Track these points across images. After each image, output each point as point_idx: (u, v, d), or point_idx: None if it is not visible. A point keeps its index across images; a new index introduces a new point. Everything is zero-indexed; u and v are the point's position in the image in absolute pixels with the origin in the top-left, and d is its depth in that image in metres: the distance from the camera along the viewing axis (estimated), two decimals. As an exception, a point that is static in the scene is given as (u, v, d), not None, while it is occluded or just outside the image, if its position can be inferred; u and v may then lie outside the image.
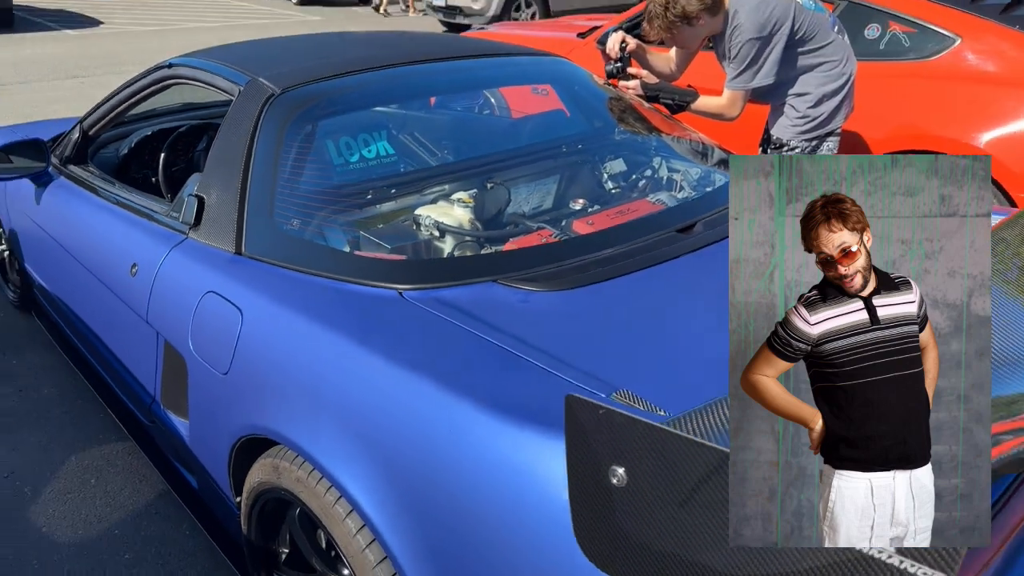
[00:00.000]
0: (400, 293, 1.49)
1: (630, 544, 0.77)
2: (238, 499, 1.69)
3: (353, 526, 1.29)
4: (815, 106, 2.81)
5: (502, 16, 9.92)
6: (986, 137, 3.16)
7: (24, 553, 2.09)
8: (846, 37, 2.86)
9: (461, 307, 1.43)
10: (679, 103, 2.83)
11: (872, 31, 3.54)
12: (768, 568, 0.75)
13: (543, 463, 1.03)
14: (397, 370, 1.29)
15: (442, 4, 10.34)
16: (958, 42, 3.34)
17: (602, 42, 2.99)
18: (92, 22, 11.98)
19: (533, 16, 10.34)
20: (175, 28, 11.61)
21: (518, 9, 10.29)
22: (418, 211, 1.87)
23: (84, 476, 2.38)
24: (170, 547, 2.11)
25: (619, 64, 2.88)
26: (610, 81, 2.79)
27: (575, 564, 0.91)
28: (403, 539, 1.22)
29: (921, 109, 3.35)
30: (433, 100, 2.57)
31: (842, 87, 2.82)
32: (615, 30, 2.97)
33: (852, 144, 3.44)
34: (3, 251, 3.31)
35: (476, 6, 9.90)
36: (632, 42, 2.93)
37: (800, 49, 2.74)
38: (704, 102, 2.82)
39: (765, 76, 2.73)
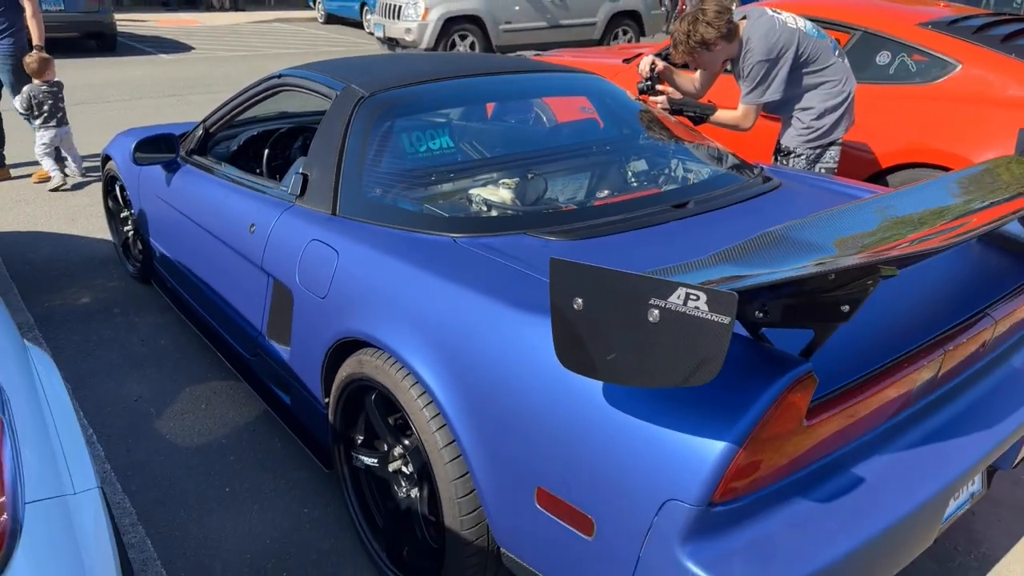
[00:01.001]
0: (454, 239, 2.00)
1: (588, 347, 1.24)
2: (326, 400, 2.21)
3: (418, 396, 1.78)
4: (818, 119, 3.26)
5: (435, 47, 10.35)
6: (982, 152, 3.53)
7: (154, 454, 2.65)
8: (846, 61, 3.31)
9: (498, 248, 1.93)
10: (700, 115, 3.34)
11: (883, 58, 3.95)
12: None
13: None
14: (452, 286, 1.79)
15: (382, 36, 11.05)
16: (959, 68, 3.72)
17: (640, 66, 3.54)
18: (185, 47, 13.06)
19: (472, 47, 10.71)
20: (260, 54, 12.56)
21: (453, 47, 10.62)
22: (470, 191, 2.38)
23: (196, 402, 2.95)
24: (267, 452, 2.65)
25: (649, 82, 3.43)
26: (641, 96, 3.31)
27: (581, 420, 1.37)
28: (455, 403, 1.70)
29: (925, 127, 3.73)
30: (490, 106, 3.10)
31: (842, 103, 3.26)
32: (650, 55, 3.52)
33: (863, 157, 3.84)
34: (128, 231, 3.97)
35: (409, 38, 10.44)
36: (661, 64, 3.48)
37: (805, 70, 3.20)
38: (722, 115, 3.31)
39: (773, 92, 3.20)
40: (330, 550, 2.21)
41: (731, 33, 3.16)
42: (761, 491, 1.38)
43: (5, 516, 1.07)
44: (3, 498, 1.08)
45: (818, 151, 3.33)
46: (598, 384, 1.43)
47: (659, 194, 2.35)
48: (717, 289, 1.02)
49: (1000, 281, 1.96)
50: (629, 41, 12.04)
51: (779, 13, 3.21)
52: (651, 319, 1.12)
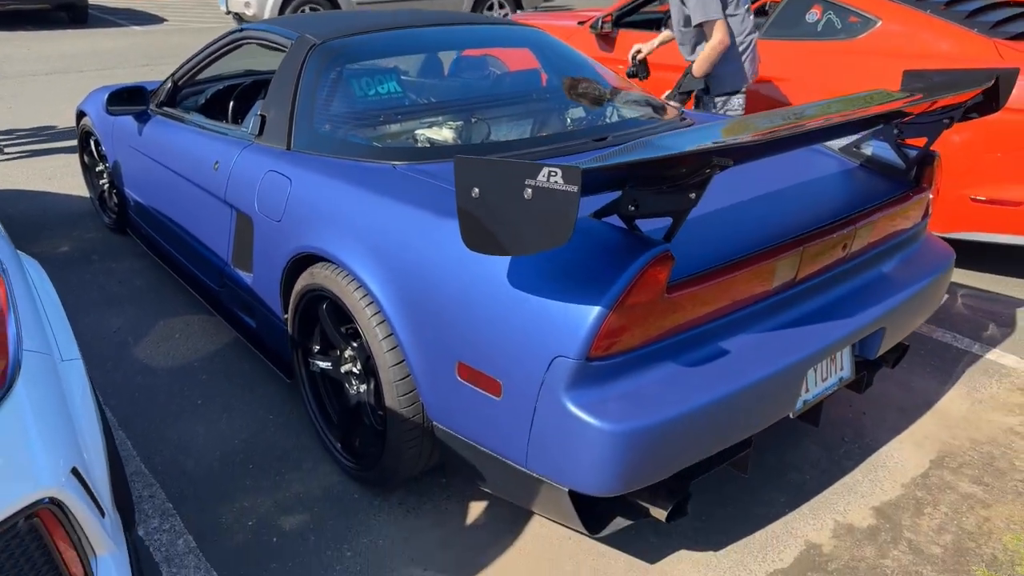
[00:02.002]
0: (393, 166, 2.27)
1: (484, 227, 1.51)
2: (285, 316, 2.48)
3: (361, 298, 2.06)
4: (721, 65, 3.63)
5: None
6: (897, 101, 3.83)
7: (132, 375, 2.92)
8: (751, 16, 3.68)
9: (430, 173, 2.20)
10: (694, 86, 3.71)
11: (812, 15, 4.23)
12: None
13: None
14: (391, 202, 2.06)
15: (226, 10, 10.87)
16: (879, 24, 4.01)
17: (594, 27, 4.03)
18: (157, 19, 13.10)
19: None
20: (232, 25, 12.62)
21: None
22: (416, 131, 2.64)
23: (170, 332, 3.22)
24: (236, 371, 2.93)
25: (634, 68, 3.93)
26: (630, 79, 3.74)
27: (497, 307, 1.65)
28: (391, 300, 1.98)
29: (847, 81, 4.02)
30: (443, 58, 3.36)
31: (744, 52, 3.63)
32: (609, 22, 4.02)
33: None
34: (104, 184, 4.19)
35: (249, 12, 10.22)
36: (644, 51, 3.99)
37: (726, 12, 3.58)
38: (702, 58, 3.64)
39: (716, 10, 3.53)
40: (293, 447, 2.50)
41: None
42: (635, 352, 1.68)
43: (9, 350, 1.33)
44: (8, 336, 1.35)
45: (724, 98, 3.69)
46: (498, 267, 1.72)
47: (582, 130, 2.62)
48: (568, 165, 1.30)
49: (868, 197, 2.26)
50: (505, 15, 11.62)
51: None
52: (526, 196, 1.40)
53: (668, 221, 1.69)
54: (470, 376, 1.81)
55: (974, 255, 4.07)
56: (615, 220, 1.76)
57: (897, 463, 2.48)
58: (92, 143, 4.18)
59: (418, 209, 1.99)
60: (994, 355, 3.12)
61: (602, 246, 1.66)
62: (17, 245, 4.03)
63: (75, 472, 1.40)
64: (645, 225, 1.81)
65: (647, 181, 1.58)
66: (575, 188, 1.30)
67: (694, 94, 3.79)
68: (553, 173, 1.33)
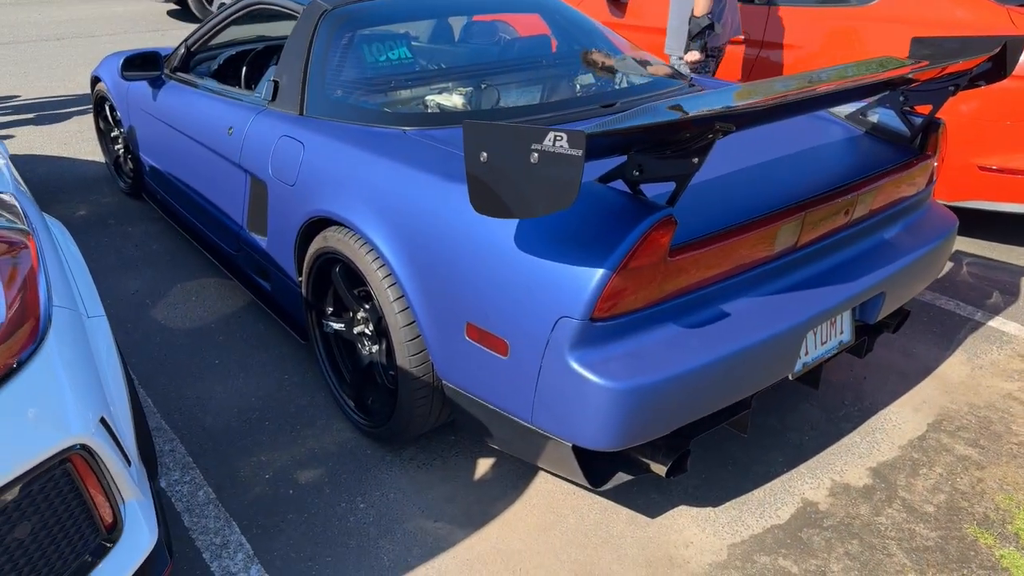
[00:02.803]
0: (404, 131, 2.32)
1: (492, 191, 1.56)
2: (299, 279, 2.55)
3: (373, 260, 2.12)
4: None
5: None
6: (909, 69, 3.82)
7: (151, 335, 3.00)
8: None
9: (439, 139, 2.24)
10: (704, 26, 3.80)
11: (824, -19, 4.20)
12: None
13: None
14: (402, 167, 2.11)
15: None
16: (892, -11, 3.98)
17: None
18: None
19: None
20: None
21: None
22: (426, 97, 2.67)
23: (187, 295, 3.30)
24: (252, 333, 3.01)
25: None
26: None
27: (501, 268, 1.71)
28: (402, 263, 2.04)
29: (857, 47, 4.01)
30: (454, 23, 3.37)
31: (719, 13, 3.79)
32: None
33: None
34: (119, 149, 4.25)
35: None
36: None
37: None
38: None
39: None
40: (307, 405, 2.59)
41: None
42: (637, 313, 1.73)
43: (40, 307, 1.41)
44: (39, 294, 1.42)
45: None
46: (505, 230, 1.77)
47: (591, 96, 2.65)
48: (572, 129, 1.35)
49: (872, 163, 2.29)
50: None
51: None
52: (533, 160, 1.45)
53: (672, 186, 1.74)
54: (478, 336, 1.87)
55: (980, 224, 4.09)
56: (620, 185, 1.81)
57: (895, 426, 2.54)
58: (107, 108, 4.23)
59: (428, 174, 2.04)
60: (996, 323, 3.16)
61: (607, 210, 1.71)
62: (36, 209, 4.13)
63: (103, 422, 1.48)
64: (649, 190, 1.85)
65: (651, 146, 1.62)
66: (579, 152, 1.34)
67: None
68: (559, 137, 1.38)
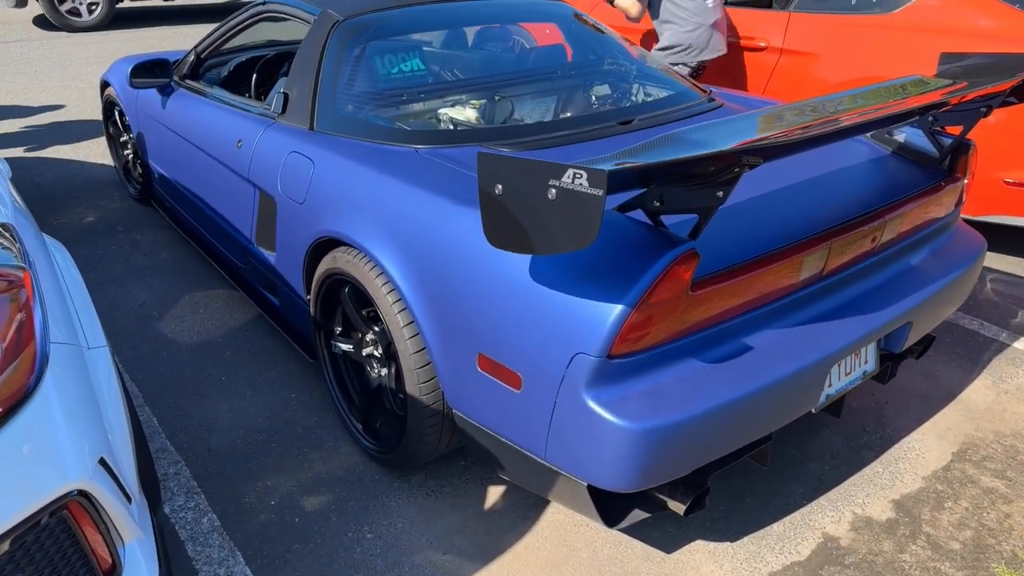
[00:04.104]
0: (416, 150, 2.25)
1: (507, 224, 1.50)
2: (308, 297, 2.49)
3: (383, 284, 2.06)
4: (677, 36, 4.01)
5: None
6: (933, 79, 3.72)
7: (158, 350, 2.96)
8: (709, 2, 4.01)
9: (453, 158, 2.18)
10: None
11: (846, -13, 4.10)
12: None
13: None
14: (412, 188, 2.05)
15: None
16: (917, -3, 3.88)
17: None
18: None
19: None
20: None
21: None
22: (439, 111, 2.61)
23: (195, 307, 3.25)
24: (259, 348, 2.95)
25: None
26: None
27: (510, 290, 1.65)
28: (413, 288, 1.98)
29: (882, 57, 3.91)
30: (467, 32, 3.31)
31: (696, 30, 4.01)
32: None
33: (820, 86, 4.03)
34: (128, 154, 4.21)
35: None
36: None
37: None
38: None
39: None
40: (315, 426, 2.53)
41: None
42: (656, 349, 1.67)
43: (36, 347, 1.35)
44: (35, 333, 1.36)
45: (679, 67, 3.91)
46: (521, 261, 1.71)
47: (608, 112, 2.58)
48: (593, 168, 1.28)
49: (900, 186, 2.21)
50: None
51: None
52: (550, 196, 1.38)
53: (693, 216, 1.67)
54: (490, 368, 1.81)
55: (1005, 239, 3.99)
56: (639, 214, 1.74)
57: (918, 455, 2.46)
58: (116, 113, 4.18)
59: (440, 197, 1.97)
60: (1022, 344, 3.07)
61: (626, 242, 1.65)
62: (44, 214, 4.10)
63: (103, 462, 1.43)
64: (669, 218, 1.79)
65: (673, 177, 1.55)
66: (600, 192, 1.28)
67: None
68: (578, 175, 1.31)
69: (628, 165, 1.31)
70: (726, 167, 1.47)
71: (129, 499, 1.52)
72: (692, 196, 1.56)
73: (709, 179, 1.51)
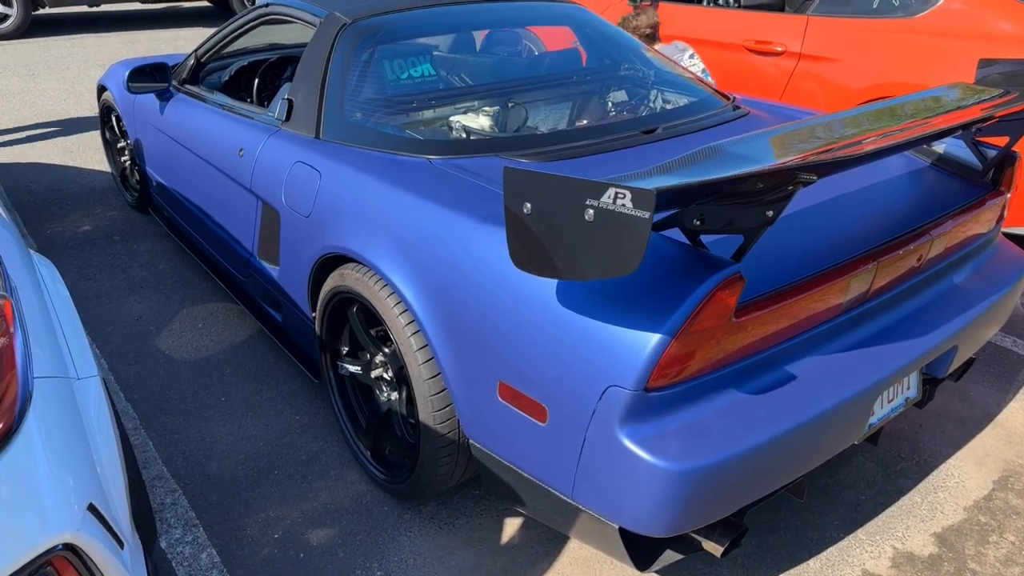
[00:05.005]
0: (429, 160, 2.12)
1: (536, 247, 1.37)
2: (313, 314, 2.36)
3: (394, 305, 1.93)
4: None
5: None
6: (958, 86, 3.59)
7: (154, 368, 2.82)
8: None
9: (469, 169, 2.05)
10: None
11: (867, -9, 3.98)
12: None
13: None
14: (425, 202, 1.92)
15: None
16: (941, 1, 3.76)
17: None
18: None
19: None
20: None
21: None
22: (451, 118, 2.48)
23: (193, 322, 3.11)
24: (260, 366, 2.82)
25: None
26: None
27: (535, 322, 1.52)
28: (427, 310, 1.84)
29: (906, 61, 3.78)
30: (478, 36, 3.18)
31: None
32: None
33: (840, 91, 3.90)
34: (125, 161, 4.07)
35: None
36: None
37: None
38: None
39: None
40: (319, 451, 2.39)
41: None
42: (696, 380, 1.53)
43: (18, 384, 1.22)
44: (16, 369, 1.23)
45: None
46: (549, 284, 1.58)
47: (629, 121, 2.45)
48: (638, 187, 1.15)
49: (943, 201, 2.08)
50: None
51: None
52: (587, 218, 1.25)
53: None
54: (512, 398, 1.68)
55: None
56: (677, 232, 1.61)
57: (958, 483, 2.33)
58: (114, 119, 4.05)
59: (456, 211, 1.84)
60: (1058, 363, 2.94)
61: (664, 264, 1.51)
62: (38, 223, 3.96)
63: (92, 508, 1.29)
64: (708, 237, 1.66)
65: (718, 195, 1.42)
66: (647, 214, 1.15)
67: None
68: (621, 195, 1.18)
69: (677, 184, 1.18)
70: (779, 184, 1.34)
71: (121, 544, 1.39)
72: (738, 214, 1.43)
73: (757, 196, 1.38)
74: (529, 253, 1.40)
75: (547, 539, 2.08)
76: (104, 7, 10.90)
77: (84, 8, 10.65)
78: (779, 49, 4.18)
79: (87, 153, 5.04)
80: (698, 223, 1.46)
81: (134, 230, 3.94)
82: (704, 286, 1.44)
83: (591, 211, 1.24)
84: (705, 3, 5.08)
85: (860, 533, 2.13)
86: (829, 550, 2.07)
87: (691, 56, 3.92)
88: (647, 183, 1.23)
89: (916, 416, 2.61)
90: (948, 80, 3.61)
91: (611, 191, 1.19)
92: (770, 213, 1.38)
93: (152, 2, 9.72)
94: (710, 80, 3.65)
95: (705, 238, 1.66)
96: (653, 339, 1.43)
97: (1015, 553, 2.08)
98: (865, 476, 2.34)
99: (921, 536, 2.13)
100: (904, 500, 2.26)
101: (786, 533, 2.12)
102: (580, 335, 1.51)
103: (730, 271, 1.45)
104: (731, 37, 4.40)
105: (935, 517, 2.20)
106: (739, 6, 4.91)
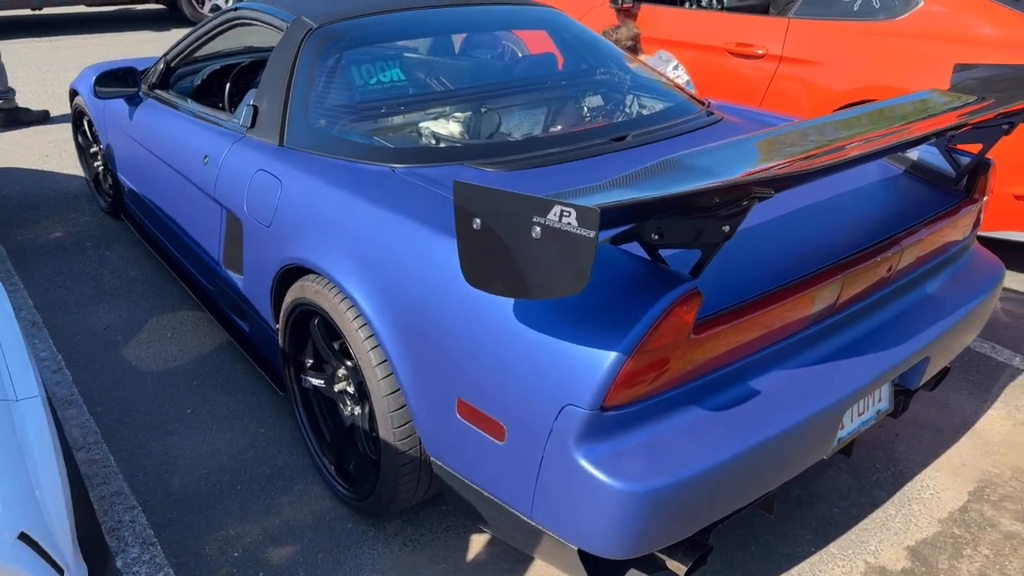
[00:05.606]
0: (392, 169, 2.08)
1: (487, 264, 1.33)
2: (277, 326, 2.31)
3: (354, 319, 1.88)
4: None
5: None
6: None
7: (120, 379, 2.77)
8: None
9: (433, 178, 2.00)
10: None
11: (848, -6, 3.95)
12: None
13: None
14: (384, 213, 1.87)
15: None
16: (921, 4, 3.73)
17: (615, 1, 4.08)
18: None
19: None
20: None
21: None
22: (420, 124, 2.43)
23: (162, 331, 3.06)
24: (227, 377, 2.77)
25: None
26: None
27: (490, 332, 1.47)
28: (386, 324, 1.80)
29: (886, 65, 3.76)
30: (455, 40, 3.13)
31: None
32: None
33: (822, 94, 3.87)
34: (98, 166, 4.01)
35: None
36: None
37: None
38: None
39: None
40: (284, 466, 2.35)
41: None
42: (655, 398, 1.49)
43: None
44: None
45: None
46: (505, 301, 1.53)
47: (600, 128, 2.41)
48: (584, 205, 1.11)
49: (916, 209, 2.05)
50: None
51: None
52: (534, 235, 1.21)
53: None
54: (470, 416, 1.63)
55: (1016, 256, 3.83)
56: (635, 247, 1.57)
57: (933, 494, 2.30)
58: (86, 123, 3.99)
59: (418, 223, 1.80)
60: (1037, 370, 2.92)
61: (620, 279, 1.47)
62: (9, 229, 3.90)
63: (24, 537, 1.25)
64: (669, 251, 1.62)
65: (675, 209, 1.38)
66: (592, 233, 1.10)
67: None
68: (566, 213, 1.14)
69: (622, 202, 1.14)
70: (734, 199, 1.30)
71: (61, 572, 1.34)
72: (695, 229, 1.39)
73: (714, 211, 1.34)
74: (480, 270, 1.36)
75: (513, 556, 2.03)
76: (47, 10, 10.66)
77: (27, 11, 10.43)
78: (760, 52, 4.15)
79: (60, 157, 4.97)
80: (656, 238, 1.42)
81: (107, 236, 3.88)
82: (660, 303, 1.40)
83: (538, 229, 1.20)
84: (688, 5, 5.04)
85: (832, 547, 2.10)
86: (800, 565, 2.04)
87: (675, 67, 3.88)
88: (596, 199, 1.19)
89: (892, 425, 2.58)
90: (929, 82, 3.59)
91: (557, 208, 1.15)
92: (726, 228, 1.34)
93: (99, 5, 9.50)
94: (692, 91, 3.61)
95: (667, 252, 1.62)
96: (609, 357, 1.39)
97: (988, 567, 2.05)
98: (839, 488, 2.30)
99: (894, 550, 2.10)
100: (878, 513, 2.22)
101: (756, 548, 2.08)
102: (538, 351, 1.47)
103: (687, 287, 1.41)
104: (712, 40, 4.36)
105: (909, 530, 2.16)
106: (722, 8, 4.88)
